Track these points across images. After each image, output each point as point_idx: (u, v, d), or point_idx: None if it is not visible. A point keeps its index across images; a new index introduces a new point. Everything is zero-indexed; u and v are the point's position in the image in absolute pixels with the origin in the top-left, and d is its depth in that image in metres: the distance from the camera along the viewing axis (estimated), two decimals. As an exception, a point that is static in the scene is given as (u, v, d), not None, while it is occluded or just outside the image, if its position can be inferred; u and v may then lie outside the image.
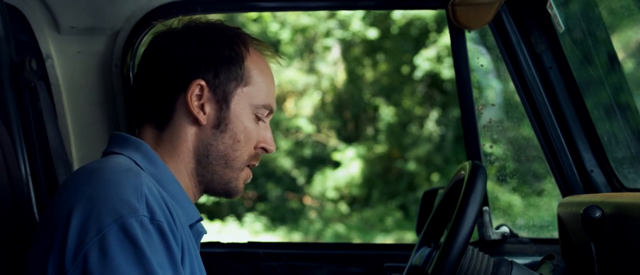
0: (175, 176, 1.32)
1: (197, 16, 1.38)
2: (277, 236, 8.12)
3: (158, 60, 1.32)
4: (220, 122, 1.33)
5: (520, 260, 1.63)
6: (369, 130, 8.58)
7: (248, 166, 1.39)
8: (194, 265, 1.25)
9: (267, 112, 1.38)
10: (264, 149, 1.39)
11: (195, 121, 1.32)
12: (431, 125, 8.10)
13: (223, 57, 1.32)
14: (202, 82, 1.31)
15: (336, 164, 8.35)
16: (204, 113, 1.32)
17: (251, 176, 1.40)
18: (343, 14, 7.83)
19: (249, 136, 1.35)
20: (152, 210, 1.15)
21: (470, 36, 2.10)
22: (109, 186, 1.16)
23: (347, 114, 8.66)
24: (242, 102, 1.34)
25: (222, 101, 1.33)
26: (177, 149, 1.32)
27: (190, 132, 1.32)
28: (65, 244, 1.12)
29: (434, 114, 8.13)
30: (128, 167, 1.21)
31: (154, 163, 1.29)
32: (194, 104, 1.31)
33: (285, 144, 8.53)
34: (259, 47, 1.38)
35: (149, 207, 1.15)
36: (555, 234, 1.93)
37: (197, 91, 1.31)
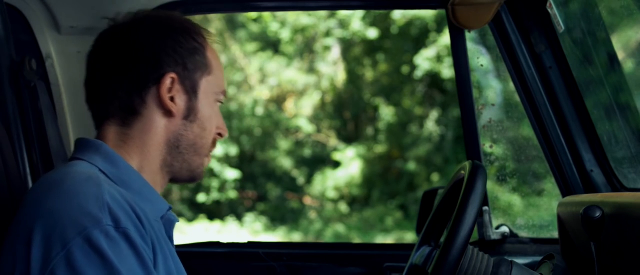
0: (143, 171, 1.31)
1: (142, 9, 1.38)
2: (277, 236, 8.12)
3: (124, 56, 1.31)
4: (190, 112, 1.34)
5: (520, 260, 1.63)
6: (369, 130, 8.58)
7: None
8: (168, 262, 1.25)
9: (223, 97, 1.41)
10: (220, 134, 1.41)
11: (167, 114, 1.32)
12: (431, 125, 8.10)
13: (189, 48, 1.33)
14: (174, 75, 1.31)
15: (336, 164, 8.35)
16: (175, 105, 1.32)
17: (210, 161, 1.43)
18: (343, 13, 7.83)
19: (212, 123, 1.38)
20: (116, 218, 1.14)
21: (470, 36, 2.10)
22: (70, 198, 1.15)
23: (347, 114, 8.67)
24: (206, 91, 1.36)
25: (191, 92, 1.34)
26: (147, 143, 1.32)
27: (160, 125, 1.32)
28: (30, 261, 1.11)
29: (434, 114, 8.13)
30: (88, 177, 1.20)
31: (115, 164, 1.28)
32: (167, 96, 1.31)
33: (285, 144, 8.53)
34: (208, 35, 1.39)
35: (112, 215, 1.14)
36: (555, 234, 1.93)
37: (168, 84, 1.31)
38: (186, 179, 1.39)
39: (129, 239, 1.14)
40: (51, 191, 1.17)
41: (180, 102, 1.32)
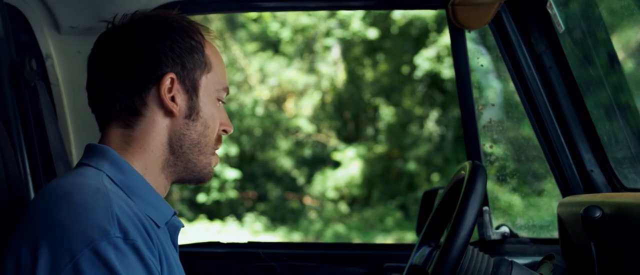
0: (146, 174, 1.32)
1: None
2: (277, 236, 8.12)
3: (123, 57, 1.31)
4: (192, 111, 1.34)
5: (520, 260, 1.63)
6: (369, 130, 8.58)
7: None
8: (173, 272, 1.26)
9: (225, 94, 1.41)
10: (225, 131, 1.41)
11: (168, 114, 1.32)
12: (431, 125, 8.10)
13: (186, 47, 1.33)
14: (173, 75, 1.31)
15: (336, 164, 8.35)
16: (176, 104, 1.32)
17: (218, 160, 1.42)
18: (343, 13, 7.83)
19: (215, 120, 1.37)
20: (125, 230, 1.15)
21: (470, 36, 2.10)
22: (78, 211, 1.15)
23: (347, 114, 8.67)
24: (207, 89, 1.36)
25: (192, 91, 1.34)
26: (149, 144, 1.32)
27: (162, 126, 1.32)
28: (35, 271, 1.12)
29: (434, 114, 8.14)
30: (96, 188, 1.20)
31: (121, 170, 1.28)
32: (167, 96, 1.31)
33: (285, 144, 8.53)
34: (207, 32, 1.39)
35: (121, 227, 1.15)
36: (555, 234, 1.93)
37: (168, 84, 1.31)
38: (194, 180, 1.39)
39: (137, 251, 1.15)
40: (60, 202, 1.18)
41: (180, 102, 1.32)
